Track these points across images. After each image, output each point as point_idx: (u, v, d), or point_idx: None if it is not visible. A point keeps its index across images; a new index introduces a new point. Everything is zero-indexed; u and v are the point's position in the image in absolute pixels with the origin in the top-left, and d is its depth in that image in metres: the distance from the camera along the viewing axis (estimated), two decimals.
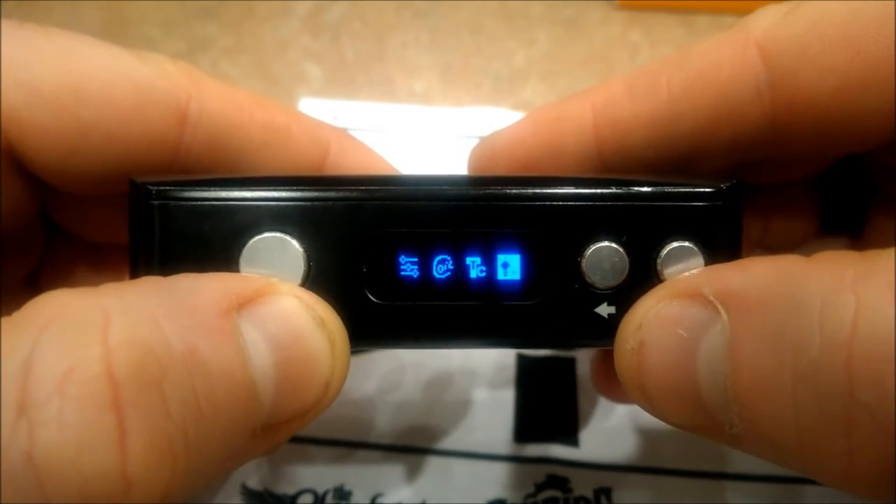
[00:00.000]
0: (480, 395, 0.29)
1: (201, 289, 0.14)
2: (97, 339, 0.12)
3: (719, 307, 0.14)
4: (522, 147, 0.21)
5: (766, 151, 0.19)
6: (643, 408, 0.16)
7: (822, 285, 0.12)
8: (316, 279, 0.16)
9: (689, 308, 0.14)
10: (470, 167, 0.23)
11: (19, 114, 0.16)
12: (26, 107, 0.16)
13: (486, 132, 0.22)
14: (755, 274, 0.14)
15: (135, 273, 0.16)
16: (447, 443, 0.27)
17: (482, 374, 0.29)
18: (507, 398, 0.29)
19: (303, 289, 0.16)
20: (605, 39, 0.46)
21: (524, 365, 0.30)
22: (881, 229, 0.21)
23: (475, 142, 0.22)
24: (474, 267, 0.17)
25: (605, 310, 0.16)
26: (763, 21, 0.18)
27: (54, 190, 0.19)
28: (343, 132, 0.21)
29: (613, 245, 0.16)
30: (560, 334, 0.17)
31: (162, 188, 0.16)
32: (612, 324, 0.16)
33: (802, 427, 0.12)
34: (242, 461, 0.15)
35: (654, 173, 0.18)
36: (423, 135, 0.37)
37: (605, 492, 0.26)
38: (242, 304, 0.14)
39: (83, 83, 0.17)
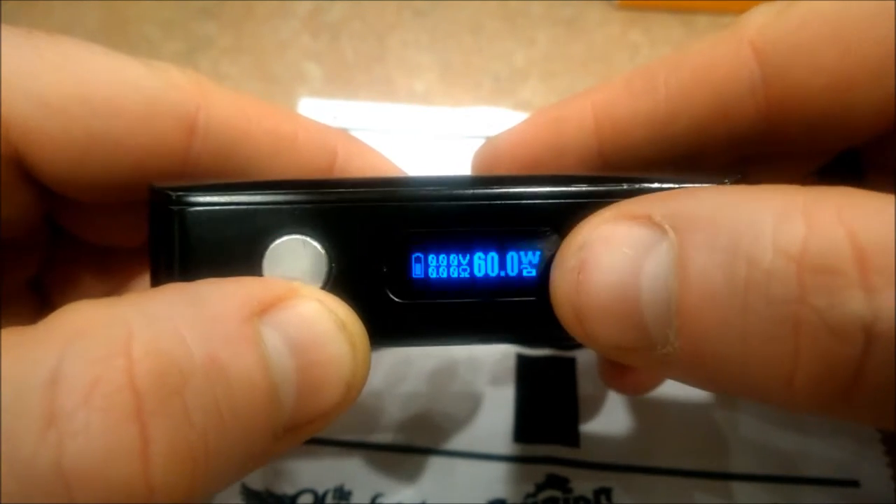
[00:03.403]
0: (480, 395, 0.29)
1: (222, 296, 0.14)
2: (120, 350, 0.12)
3: (668, 228, 0.14)
4: (524, 148, 0.21)
5: (761, 146, 0.19)
6: (571, 330, 0.15)
7: (774, 207, 0.12)
8: (337, 280, 0.16)
9: (636, 228, 0.14)
10: (473, 169, 0.23)
11: (28, 124, 0.17)
12: (35, 117, 0.17)
13: (487, 132, 0.22)
14: (706, 197, 0.14)
15: (156, 280, 0.16)
16: (447, 443, 0.27)
17: (482, 375, 0.29)
18: (507, 398, 0.29)
19: (324, 292, 0.16)
20: (605, 39, 0.46)
21: (524, 365, 0.30)
22: None
23: (476, 142, 0.23)
24: (492, 265, 0.17)
25: None
26: (756, 20, 0.18)
27: (61, 197, 0.19)
28: (349, 136, 0.21)
29: None
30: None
31: (182, 193, 0.16)
32: None
33: (750, 333, 0.12)
34: (263, 462, 0.15)
35: (655, 170, 0.18)
36: (424, 135, 0.37)
37: (605, 492, 0.26)
38: (264, 310, 0.14)
39: (92, 93, 0.17)
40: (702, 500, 0.26)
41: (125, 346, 0.12)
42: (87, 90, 0.17)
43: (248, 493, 0.26)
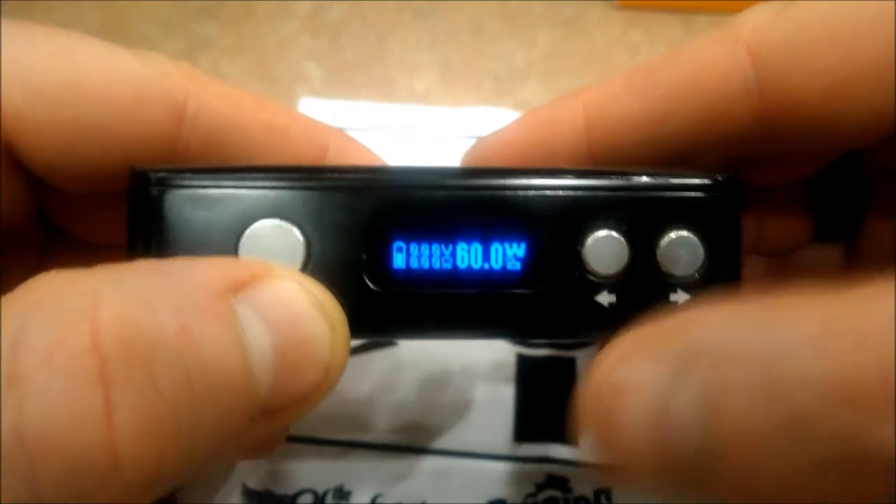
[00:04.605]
0: (480, 394, 0.29)
1: (196, 270, 0.14)
2: (86, 315, 0.12)
3: (691, 363, 0.13)
4: (514, 149, 0.21)
5: (756, 149, 0.19)
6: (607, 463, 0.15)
7: (800, 338, 0.12)
8: (315, 267, 0.16)
9: (657, 368, 0.13)
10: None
11: (17, 111, 0.17)
12: (25, 104, 0.17)
13: (487, 132, 0.22)
14: (721, 327, 0.13)
15: (132, 257, 0.16)
16: (447, 443, 0.27)
17: (482, 374, 0.29)
18: (507, 398, 0.29)
19: (302, 273, 0.16)
20: (605, 39, 0.46)
21: (524, 364, 0.30)
22: (875, 236, 0.21)
23: (475, 142, 0.22)
24: (475, 256, 0.17)
25: (605, 298, 0.17)
26: (752, 20, 0.18)
27: (52, 189, 0.19)
28: (341, 133, 0.21)
29: (614, 234, 0.16)
30: (560, 323, 0.17)
31: (161, 175, 0.16)
32: (613, 313, 0.16)
33: (798, 473, 0.12)
34: (242, 445, 0.15)
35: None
36: (424, 135, 0.37)
37: (605, 492, 0.26)
38: (239, 287, 0.14)
39: (82, 81, 0.17)
40: (701, 499, 0.26)
41: (91, 312, 0.12)
42: (77, 78, 0.17)
43: (247, 493, 0.26)
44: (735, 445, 0.12)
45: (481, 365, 0.29)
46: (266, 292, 0.14)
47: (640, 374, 0.14)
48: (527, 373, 0.29)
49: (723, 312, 0.13)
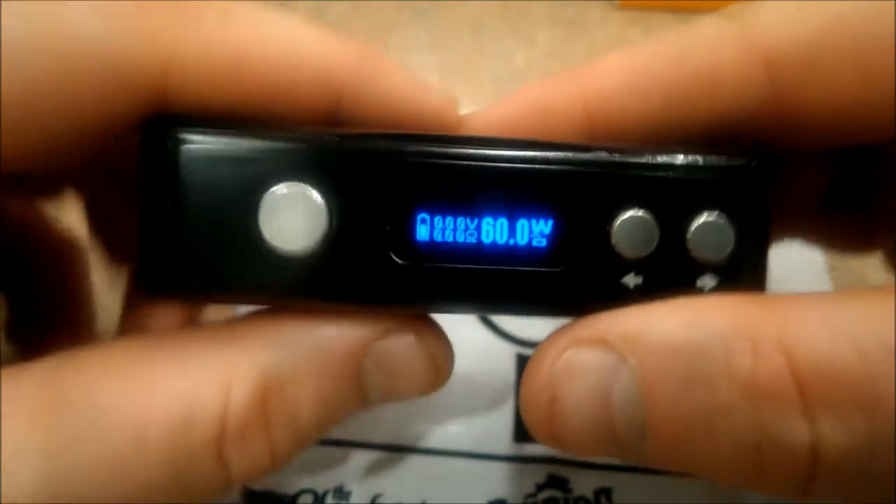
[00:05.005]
0: (480, 394, 0.29)
1: (335, 343, 0.17)
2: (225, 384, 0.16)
3: (627, 354, 0.15)
4: (506, 134, 0.20)
5: (766, 148, 0.18)
6: (546, 445, 0.17)
7: (722, 333, 0.14)
8: (337, 235, 0.16)
9: (596, 355, 0.15)
10: None
11: (198, 65, 0.16)
12: (205, 62, 0.16)
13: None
14: (656, 320, 0.15)
15: (144, 222, 0.16)
16: (447, 443, 0.27)
17: (482, 374, 0.29)
18: (507, 398, 0.29)
19: (424, 320, 0.18)
20: (605, 39, 0.46)
21: (524, 365, 0.30)
22: (890, 206, 0.21)
23: (469, 115, 0.22)
24: (500, 231, 0.16)
25: (631, 280, 0.16)
26: (768, 16, 0.16)
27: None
28: (365, 60, 0.18)
29: (644, 214, 0.16)
30: (583, 303, 0.16)
31: (179, 129, 0.15)
32: (638, 295, 0.16)
33: (717, 449, 0.14)
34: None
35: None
36: None
37: (605, 492, 0.26)
38: (368, 346, 0.17)
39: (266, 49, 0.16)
40: (703, 500, 0.26)
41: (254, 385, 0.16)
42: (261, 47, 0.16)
43: (247, 493, 0.26)
44: (664, 427, 0.15)
45: (481, 365, 0.29)
46: (388, 345, 0.17)
47: (588, 358, 0.15)
48: None
49: (657, 308, 0.15)
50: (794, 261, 0.32)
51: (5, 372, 0.15)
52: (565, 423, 0.16)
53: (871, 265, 0.33)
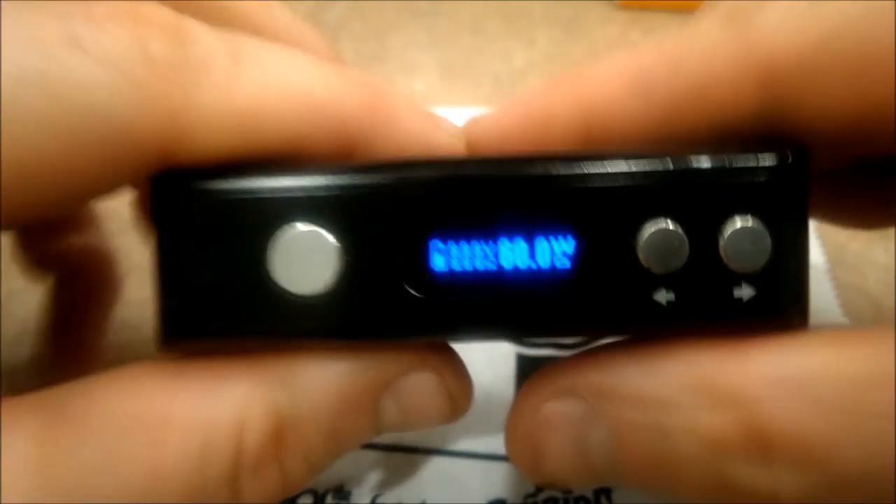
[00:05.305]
0: (480, 395, 0.29)
1: (352, 380, 0.17)
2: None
3: (598, 405, 0.16)
4: (506, 142, 0.20)
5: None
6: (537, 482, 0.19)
7: (682, 386, 0.15)
8: (352, 274, 0.15)
9: (574, 406, 0.17)
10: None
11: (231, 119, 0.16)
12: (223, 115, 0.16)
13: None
14: (619, 372, 0.16)
15: (160, 268, 0.16)
16: (447, 443, 0.27)
17: (482, 375, 0.29)
18: (507, 398, 0.29)
19: (443, 350, 0.18)
20: (605, 39, 0.46)
21: (524, 365, 0.30)
22: None
23: (468, 123, 0.22)
24: (520, 255, 0.15)
25: (663, 296, 0.15)
26: (766, 26, 0.16)
27: None
28: (375, 102, 0.18)
29: (671, 226, 0.15)
30: (614, 324, 0.16)
31: (187, 181, 0.15)
32: (671, 311, 0.15)
33: (686, 494, 0.16)
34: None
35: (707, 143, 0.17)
36: None
37: (605, 492, 0.26)
38: (386, 384, 0.17)
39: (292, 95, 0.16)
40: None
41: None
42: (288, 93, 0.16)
43: None
44: (638, 471, 0.16)
45: (481, 365, 0.29)
46: (406, 384, 0.17)
47: (565, 410, 0.17)
48: (526, 373, 0.29)
49: (623, 359, 0.16)
50: None
51: (14, 400, 0.15)
52: (549, 466, 0.17)
53: (871, 265, 0.33)
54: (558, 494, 0.26)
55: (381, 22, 0.47)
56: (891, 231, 0.33)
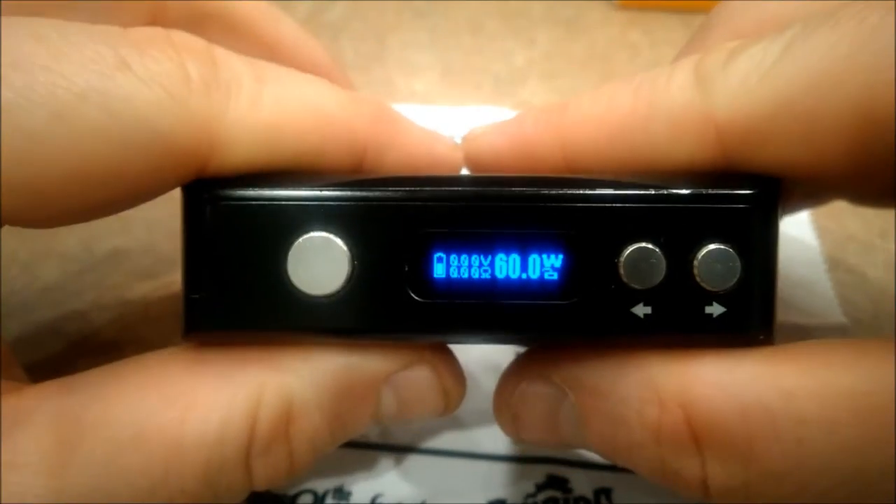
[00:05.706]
0: (481, 396, 0.29)
1: (357, 372, 0.18)
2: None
3: (567, 390, 0.19)
4: (499, 161, 0.22)
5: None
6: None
7: (635, 386, 0.17)
8: (360, 278, 0.17)
9: (545, 388, 0.20)
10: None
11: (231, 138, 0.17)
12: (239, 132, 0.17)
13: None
14: (588, 366, 0.18)
15: (187, 269, 0.17)
16: (447, 443, 0.27)
17: (481, 375, 0.29)
18: None
19: (440, 350, 0.20)
20: (605, 39, 0.46)
21: None
22: None
23: (467, 137, 0.23)
24: (513, 266, 0.17)
25: (640, 310, 0.17)
26: (724, 97, 0.17)
27: None
28: (381, 117, 0.21)
29: (651, 246, 0.17)
30: (596, 333, 0.17)
31: (214, 190, 0.17)
32: (648, 324, 0.17)
33: (639, 469, 0.18)
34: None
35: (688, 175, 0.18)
36: None
37: (605, 492, 0.26)
38: (388, 377, 0.19)
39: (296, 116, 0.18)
40: (703, 500, 0.26)
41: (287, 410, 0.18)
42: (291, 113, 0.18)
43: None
44: (600, 444, 0.19)
45: (480, 365, 0.29)
46: (405, 375, 0.19)
47: (537, 390, 0.20)
48: None
49: (585, 355, 0.19)
50: (794, 261, 0.32)
51: (43, 386, 0.17)
52: (525, 431, 0.21)
53: (871, 264, 0.33)
54: (558, 494, 0.26)
55: (380, 22, 0.47)
56: (891, 231, 0.33)
